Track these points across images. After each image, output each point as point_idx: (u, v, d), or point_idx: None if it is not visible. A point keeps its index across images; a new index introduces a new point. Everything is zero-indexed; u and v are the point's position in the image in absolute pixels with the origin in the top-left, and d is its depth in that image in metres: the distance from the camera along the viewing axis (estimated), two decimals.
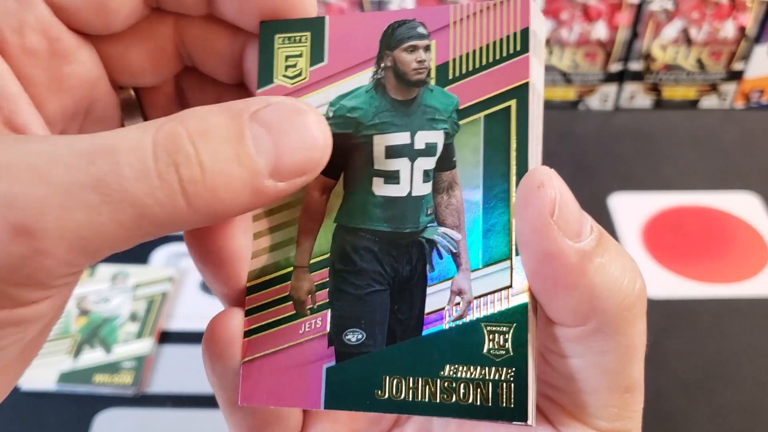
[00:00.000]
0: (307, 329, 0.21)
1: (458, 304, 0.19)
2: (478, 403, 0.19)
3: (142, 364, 0.57)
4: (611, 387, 0.20)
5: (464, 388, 0.19)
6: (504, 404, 0.18)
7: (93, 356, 0.57)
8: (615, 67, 0.80)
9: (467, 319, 0.19)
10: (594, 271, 0.18)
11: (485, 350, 0.19)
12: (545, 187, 0.18)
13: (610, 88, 0.82)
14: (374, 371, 0.20)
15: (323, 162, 0.19)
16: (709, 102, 0.83)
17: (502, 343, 0.19)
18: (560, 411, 0.21)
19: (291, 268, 0.21)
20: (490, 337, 0.19)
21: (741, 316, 0.61)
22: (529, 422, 0.18)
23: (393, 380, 0.19)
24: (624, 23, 0.77)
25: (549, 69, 0.81)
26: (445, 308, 0.19)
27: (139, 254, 0.67)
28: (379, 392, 0.19)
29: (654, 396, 0.55)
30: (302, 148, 0.18)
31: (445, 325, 0.19)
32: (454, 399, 0.19)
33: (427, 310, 0.20)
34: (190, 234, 0.21)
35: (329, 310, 0.21)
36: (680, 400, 0.55)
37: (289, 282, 0.21)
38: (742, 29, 0.77)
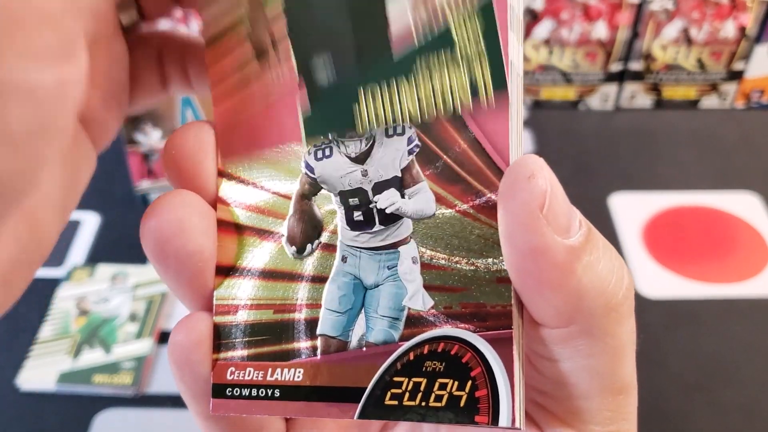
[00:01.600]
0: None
1: None
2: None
3: (141, 364, 0.57)
4: (603, 390, 0.19)
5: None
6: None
7: (92, 356, 0.57)
8: (615, 66, 0.80)
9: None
10: (582, 270, 0.17)
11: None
12: (536, 178, 0.17)
13: (611, 88, 0.82)
14: None
15: None
16: (710, 102, 0.83)
17: None
18: (551, 417, 0.20)
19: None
20: None
21: (741, 316, 0.61)
22: (517, 425, 0.17)
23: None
24: (624, 23, 0.77)
25: (549, 69, 0.81)
26: None
27: (138, 254, 0.67)
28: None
29: (654, 396, 0.55)
30: None
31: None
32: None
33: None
34: (145, 236, 0.19)
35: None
36: (680, 399, 0.55)
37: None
38: (742, 29, 0.77)
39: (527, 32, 0.78)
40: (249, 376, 0.19)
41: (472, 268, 0.18)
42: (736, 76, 0.80)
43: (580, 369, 0.18)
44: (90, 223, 0.71)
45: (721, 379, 0.56)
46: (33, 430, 0.54)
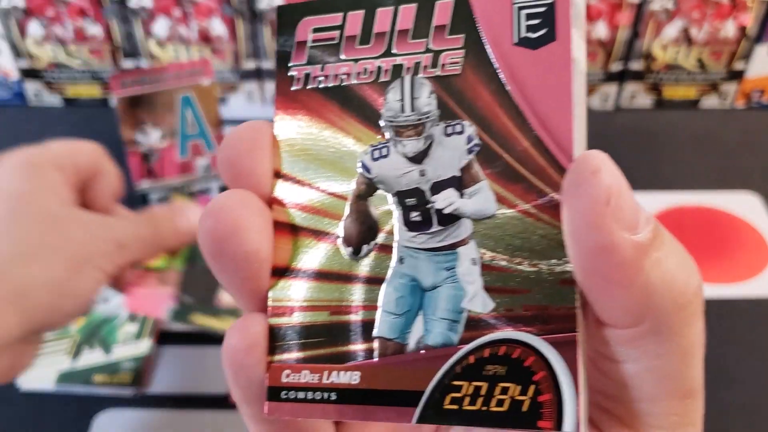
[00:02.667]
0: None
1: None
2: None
3: (141, 364, 0.57)
4: (670, 393, 0.18)
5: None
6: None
7: (92, 356, 0.57)
8: (615, 66, 0.80)
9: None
10: (650, 266, 0.16)
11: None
12: (601, 173, 0.16)
13: (611, 88, 0.82)
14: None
15: None
16: (710, 102, 0.83)
17: None
18: (614, 421, 0.19)
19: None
20: None
21: (742, 316, 0.61)
22: (582, 431, 0.17)
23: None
24: (624, 23, 0.77)
25: None
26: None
27: None
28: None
29: None
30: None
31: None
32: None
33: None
34: (203, 236, 0.19)
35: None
36: None
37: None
38: (742, 29, 0.77)
39: None
40: (304, 378, 0.19)
41: (534, 269, 0.18)
42: (736, 75, 0.80)
43: (646, 371, 0.18)
44: None
45: (721, 379, 0.56)
46: (32, 430, 0.54)
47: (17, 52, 0.80)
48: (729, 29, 0.77)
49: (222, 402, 0.55)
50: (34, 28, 0.78)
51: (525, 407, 0.17)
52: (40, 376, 0.56)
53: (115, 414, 0.55)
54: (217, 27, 0.78)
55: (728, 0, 0.75)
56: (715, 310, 0.62)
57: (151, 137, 0.68)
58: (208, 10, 0.77)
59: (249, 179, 0.20)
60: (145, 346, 0.58)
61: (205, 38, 0.79)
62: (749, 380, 0.56)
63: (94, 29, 0.79)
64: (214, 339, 0.59)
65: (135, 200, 0.70)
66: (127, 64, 0.81)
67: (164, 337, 0.60)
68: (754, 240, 0.67)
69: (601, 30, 0.77)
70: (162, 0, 0.76)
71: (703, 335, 0.18)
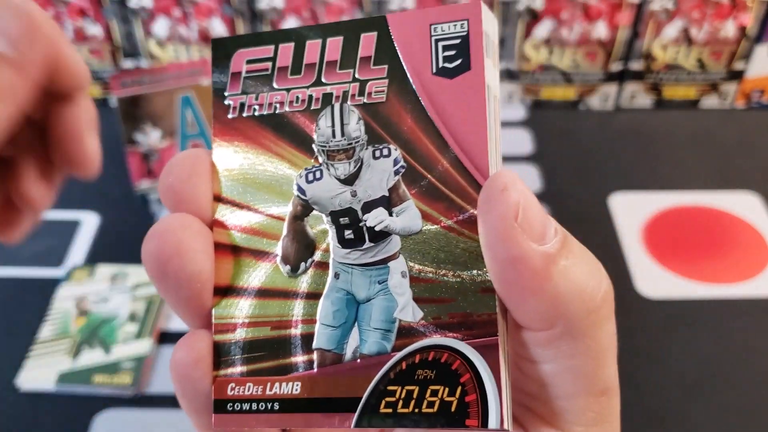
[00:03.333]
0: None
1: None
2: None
3: (141, 364, 0.57)
4: (586, 391, 0.19)
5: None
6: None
7: (92, 357, 0.57)
8: (615, 66, 0.80)
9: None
10: (558, 274, 0.18)
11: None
12: (508, 191, 0.18)
13: (611, 88, 0.82)
14: None
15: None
16: (710, 102, 0.83)
17: None
18: (536, 419, 0.20)
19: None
20: None
21: (741, 317, 0.61)
22: (506, 426, 0.18)
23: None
24: (624, 23, 0.77)
25: (549, 69, 0.81)
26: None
27: (138, 254, 0.67)
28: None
29: (653, 396, 0.55)
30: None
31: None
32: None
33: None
34: (147, 258, 0.20)
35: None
36: (680, 399, 0.55)
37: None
38: (742, 29, 0.77)
39: (528, 32, 0.78)
40: (249, 390, 0.20)
41: (458, 279, 0.19)
42: (736, 75, 0.80)
43: (563, 370, 0.19)
44: (89, 223, 0.71)
45: (721, 379, 0.56)
46: (32, 430, 0.54)
47: None
48: (729, 29, 0.77)
49: None
50: None
51: (453, 407, 0.19)
52: (40, 376, 0.56)
53: (114, 414, 0.55)
54: (217, 27, 0.78)
55: (728, 0, 0.75)
56: (715, 310, 0.62)
57: (151, 137, 0.68)
58: (208, 10, 0.77)
59: (190, 204, 0.21)
60: (144, 346, 0.58)
61: (205, 38, 0.79)
62: (749, 380, 0.56)
63: (94, 29, 0.79)
64: None
65: (135, 200, 0.70)
66: (127, 64, 0.81)
67: (164, 337, 0.60)
68: (754, 240, 0.67)
69: (601, 30, 0.77)
70: (162, 0, 0.76)
71: (615, 337, 0.19)
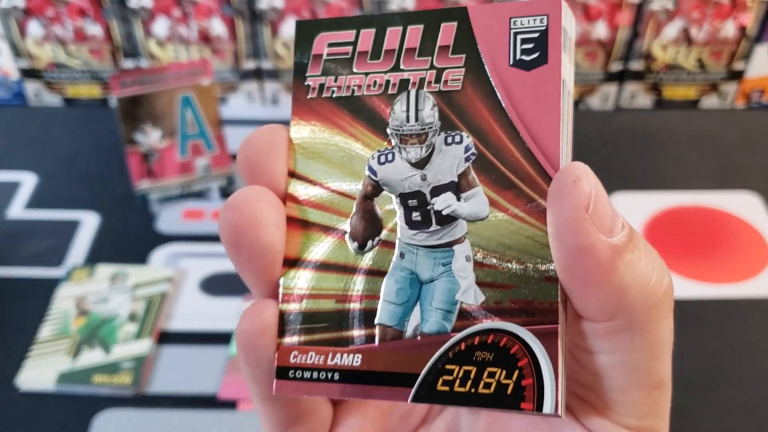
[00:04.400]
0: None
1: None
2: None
3: (141, 364, 0.57)
4: (639, 384, 0.20)
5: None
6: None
7: (92, 356, 0.57)
8: (615, 66, 0.80)
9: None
10: (624, 267, 0.18)
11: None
12: (581, 182, 0.18)
13: (611, 88, 0.82)
14: None
15: None
16: (710, 102, 0.83)
17: None
18: (588, 408, 0.20)
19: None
20: None
21: (742, 316, 0.61)
22: (559, 413, 0.19)
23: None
24: (624, 23, 0.77)
25: None
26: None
27: (138, 254, 0.67)
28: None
29: None
30: None
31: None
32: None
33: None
34: (223, 227, 0.21)
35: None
36: (681, 399, 0.55)
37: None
38: (742, 29, 0.77)
39: None
40: (311, 359, 0.21)
41: (521, 267, 0.20)
42: (736, 75, 0.80)
43: (619, 363, 0.19)
44: (89, 223, 0.71)
45: (721, 379, 0.56)
46: (32, 430, 0.54)
47: (17, 52, 0.80)
48: (729, 29, 0.77)
49: (222, 402, 0.55)
50: (34, 28, 0.78)
51: (509, 390, 0.19)
52: (39, 376, 0.56)
53: (114, 414, 0.55)
54: (217, 27, 0.78)
55: (728, 0, 0.75)
56: (716, 310, 0.62)
57: (151, 137, 0.68)
58: (208, 10, 0.77)
59: (266, 177, 0.21)
60: (144, 346, 0.58)
61: (205, 38, 0.79)
62: (749, 380, 0.56)
63: (94, 29, 0.79)
64: (213, 339, 0.59)
65: (135, 200, 0.71)
66: (127, 64, 0.81)
67: (164, 337, 0.60)
68: (754, 240, 0.67)
69: (601, 30, 0.77)
70: (162, 0, 0.76)
71: (672, 333, 0.20)
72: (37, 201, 0.73)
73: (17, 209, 0.72)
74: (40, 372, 0.56)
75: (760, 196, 0.71)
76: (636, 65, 0.80)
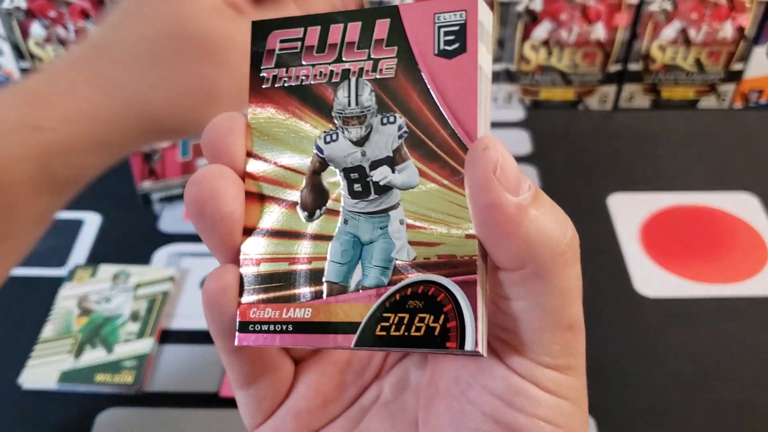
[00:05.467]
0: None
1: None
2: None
3: (143, 363, 0.57)
4: (551, 326, 0.22)
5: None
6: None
7: (94, 356, 0.58)
8: (614, 67, 0.80)
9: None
10: (529, 221, 0.21)
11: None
12: (489, 150, 0.21)
13: (609, 89, 0.82)
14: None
15: None
16: (708, 102, 0.83)
17: None
18: (510, 349, 0.23)
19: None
20: None
21: (739, 316, 0.61)
22: (479, 349, 0.21)
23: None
24: (623, 24, 0.77)
25: (548, 70, 0.81)
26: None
27: (140, 254, 0.67)
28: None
29: (653, 394, 0.55)
30: None
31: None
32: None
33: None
34: (188, 200, 0.23)
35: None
36: (679, 398, 0.55)
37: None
38: (740, 30, 0.77)
39: (527, 33, 0.78)
40: (267, 314, 0.24)
41: (446, 227, 0.23)
42: (734, 76, 0.81)
43: (532, 307, 0.22)
44: (92, 223, 0.71)
45: (719, 378, 0.57)
46: (35, 429, 0.54)
47: (19, 53, 0.80)
48: (727, 30, 0.77)
49: (223, 401, 0.55)
50: (36, 29, 0.79)
51: (437, 332, 0.22)
52: (42, 375, 0.56)
53: (116, 413, 0.55)
54: None
55: (726, 1, 0.75)
56: (713, 309, 0.62)
57: None
58: None
59: (226, 157, 0.24)
60: (146, 345, 0.58)
61: None
62: (747, 379, 0.57)
63: None
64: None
65: (137, 200, 0.71)
66: None
67: (166, 336, 0.60)
68: (752, 240, 0.68)
69: (600, 31, 0.78)
70: None
71: (580, 280, 0.22)
72: None
73: None
74: (42, 371, 0.57)
75: (757, 197, 0.72)
76: (634, 66, 0.80)
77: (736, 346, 0.59)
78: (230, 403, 0.55)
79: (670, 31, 0.78)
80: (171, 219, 0.71)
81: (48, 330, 0.59)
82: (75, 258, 0.67)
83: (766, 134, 0.81)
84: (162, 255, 0.67)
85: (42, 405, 0.55)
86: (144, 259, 0.67)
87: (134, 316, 0.60)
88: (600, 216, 0.70)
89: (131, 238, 0.69)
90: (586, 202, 0.71)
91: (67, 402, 0.56)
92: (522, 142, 0.78)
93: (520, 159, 0.75)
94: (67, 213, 0.72)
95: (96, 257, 0.67)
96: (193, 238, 0.69)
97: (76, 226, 0.71)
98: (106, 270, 0.64)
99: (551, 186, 0.72)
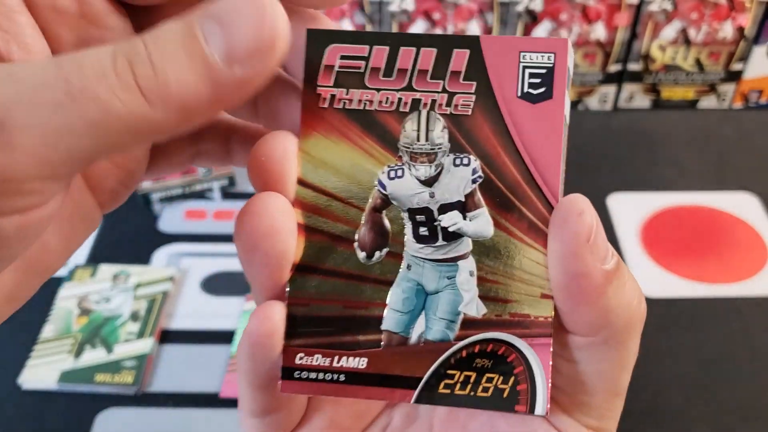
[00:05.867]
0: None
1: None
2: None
3: (143, 363, 0.57)
4: (606, 391, 0.22)
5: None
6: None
7: (94, 356, 0.58)
8: (614, 67, 0.80)
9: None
10: (612, 291, 0.20)
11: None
12: (585, 215, 0.20)
13: (609, 89, 0.82)
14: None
15: (279, 45, 0.18)
16: (708, 102, 0.83)
17: None
18: (556, 407, 0.23)
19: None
20: None
21: (739, 316, 0.61)
22: (547, 414, 0.21)
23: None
24: (623, 24, 0.77)
25: None
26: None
27: (140, 254, 0.67)
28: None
29: (653, 395, 0.55)
30: (253, 30, 0.18)
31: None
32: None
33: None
34: (241, 234, 0.21)
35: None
36: (679, 399, 0.55)
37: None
38: (740, 30, 0.77)
39: (527, 33, 0.78)
40: (316, 361, 0.22)
41: (521, 283, 0.21)
42: (734, 76, 0.81)
43: (593, 371, 0.22)
44: None
45: (720, 379, 0.57)
46: (35, 428, 0.54)
47: None
48: (727, 30, 0.77)
49: (223, 401, 0.55)
50: None
51: (505, 394, 0.21)
52: (42, 375, 0.56)
53: (116, 412, 0.55)
54: None
55: (726, 1, 0.75)
56: (713, 309, 0.62)
57: None
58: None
59: (280, 184, 0.22)
60: (146, 344, 0.58)
61: None
62: (747, 379, 0.57)
63: None
64: (215, 338, 0.60)
65: (137, 200, 0.71)
66: None
67: (166, 336, 0.60)
68: (752, 240, 0.68)
69: (600, 31, 0.78)
70: None
71: (637, 349, 0.22)
72: None
73: None
74: (42, 371, 0.56)
75: (757, 197, 0.72)
76: (634, 66, 0.80)
77: (737, 346, 0.59)
78: (230, 403, 0.55)
79: (670, 31, 0.78)
80: (171, 219, 0.71)
81: (48, 330, 0.59)
82: (75, 258, 0.67)
83: (766, 134, 0.81)
84: (162, 255, 0.67)
85: (42, 405, 0.55)
86: (144, 259, 0.67)
87: (134, 316, 0.60)
88: (600, 216, 0.69)
89: (131, 238, 0.69)
90: None
91: (67, 402, 0.56)
92: None
93: None
94: None
95: (96, 257, 0.67)
96: (193, 238, 0.69)
97: None
98: (106, 270, 0.64)
99: None
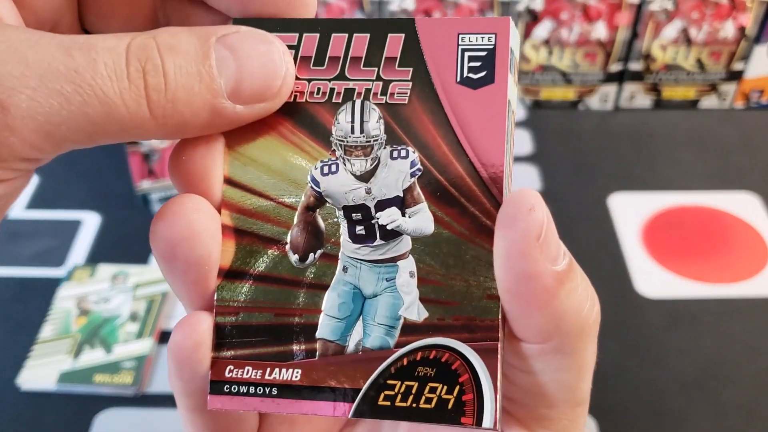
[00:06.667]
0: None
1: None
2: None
3: (142, 364, 0.57)
4: (565, 401, 0.21)
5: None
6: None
7: (93, 356, 0.57)
8: (615, 67, 0.80)
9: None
10: (564, 294, 0.19)
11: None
12: (536, 211, 0.18)
13: (610, 88, 0.82)
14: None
15: (283, 92, 0.19)
16: (709, 102, 0.83)
17: None
18: (513, 422, 0.21)
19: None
20: None
21: (740, 316, 0.61)
22: (497, 427, 0.19)
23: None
24: (624, 23, 0.77)
25: (549, 69, 0.81)
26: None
27: (139, 254, 0.67)
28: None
29: (653, 395, 0.55)
30: (263, 74, 0.18)
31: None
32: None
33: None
34: (156, 240, 0.20)
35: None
36: (679, 399, 0.55)
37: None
38: (741, 29, 0.77)
39: (528, 33, 0.78)
40: (247, 374, 0.20)
41: (464, 284, 0.20)
42: (735, 76, 0.81)
43: (549, 381, 0.20)
44: (91, 223, 0.71)
45: (720, 379, 0.56)
46: (33, 429, 0.54)
47: None
48: (728, 30, 0.77)
49: None
50: None
51: (450, 405, 0.19)
52: (41, 375, 0.56)
53: (115, 413, 0.55)
54: None
55: (727, 0, 0.75)
56: (714, 309, 0.62)
57: None
58: None
59: (202, 185, 0.20)
60: (145, 345, 0.58)
61: None
62: (748, 380, 0.56)
63: None
64: None
65: (136, 200, 0.71)
66: None
67: (165, 337, 0.60)
68: (753, 240, 0.67)
69: (601, 31, 0.77)
70: None
71: (595, 356, 0.21)
72: (38, 201, 0.73)
73: (18, 209, 0.72)
74: (41, 371, 0.56)
75: (759, 196, 0.72)
76: (635, 66, 0.80)
77: (737, 347, 0.59)
78: None
79: (671, 31, 0.78)
80: None
81: (47, 330, 0.59)
82: (74, 258, 0.67)
83: (767, 134, 0.80)
84: None
85: (41, 405, 0.55)
86: (143, 259, 0.67)
87: (133, 317, 0.60)
88: (600, 216, 0.69)
89: (130, 238, 0.69)
90: (587, 201, 0.71)
91: (66, 402, 0.55)
92: (523, 141, 0.78)
93: (520, 159, 0.75)
94: (66, 213, 0.71)
95: (95, 257, 0.67)
96: None
97: (74, 226, 0.70)
98: (105, 270, 0.64)
99: (552, 186, 0.71)
